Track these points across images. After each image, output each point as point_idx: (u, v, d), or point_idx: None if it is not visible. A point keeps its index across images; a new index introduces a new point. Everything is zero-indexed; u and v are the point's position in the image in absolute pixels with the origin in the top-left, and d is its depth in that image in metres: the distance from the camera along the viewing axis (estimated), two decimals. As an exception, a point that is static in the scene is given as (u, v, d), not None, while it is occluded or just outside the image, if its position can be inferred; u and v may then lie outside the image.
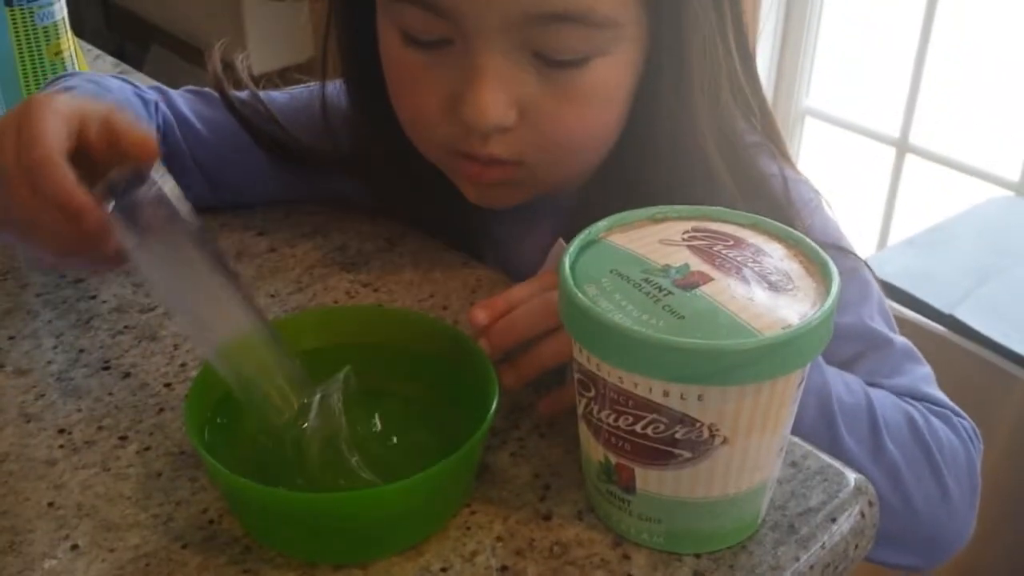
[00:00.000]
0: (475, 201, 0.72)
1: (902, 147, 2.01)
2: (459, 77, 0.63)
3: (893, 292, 1.56)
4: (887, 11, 4.00)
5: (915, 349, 0.74)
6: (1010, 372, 1.45)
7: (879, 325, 0.73)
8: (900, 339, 0.74)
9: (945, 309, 1.53)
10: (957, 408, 0.72)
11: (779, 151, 0.75)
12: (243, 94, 0.80)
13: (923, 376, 0.73)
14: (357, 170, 0.78)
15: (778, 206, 0.70)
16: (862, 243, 2.14)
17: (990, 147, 2.89)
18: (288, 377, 0.55)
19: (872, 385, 0.69)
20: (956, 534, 0.70)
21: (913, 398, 0.70)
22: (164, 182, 0.57)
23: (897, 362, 0.72)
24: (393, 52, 0.67)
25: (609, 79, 0.65)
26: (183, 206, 0.57)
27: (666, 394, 0.46)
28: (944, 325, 1.52)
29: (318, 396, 0.54)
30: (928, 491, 0.67)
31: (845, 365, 0.70)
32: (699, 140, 0.67)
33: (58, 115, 0.61)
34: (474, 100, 0.63)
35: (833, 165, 2.67)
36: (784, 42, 2.06)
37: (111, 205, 0.57)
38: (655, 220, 0.53)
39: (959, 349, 1.49)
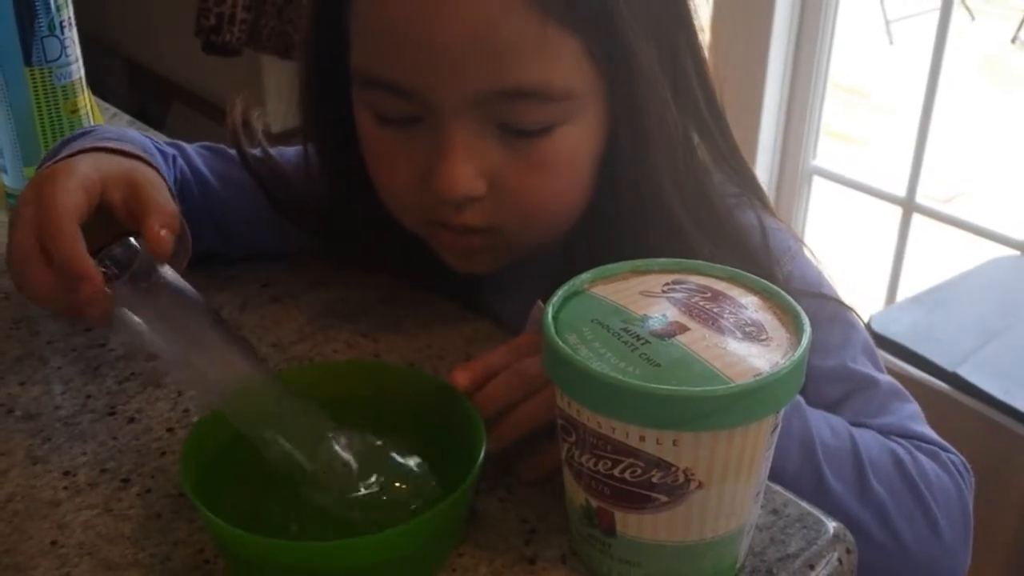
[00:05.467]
0: (457, 268, 0.75)
1: (908, 207, 2.03)
2: (430, 152, 0.67)
3: (898, 350, 1.57)
4: (893, 71, 4.04)
5: (901, 387, 0.76)
6: (1013, 430, 1.45)
7: (863, 366, 0.74)
8: (886, 378, 0.75)
9: (949, 367, 1.53)
10: (945, 443, 0.73)
11: (759, 201, 0.77)
12: (257, 151, 0.83)
13: (910, 414, 0.74)
14: (345, 233, 0.81)
15: (756, 258, 0.72)
16: (869, 300, 2.15)
17: (996, 207, 2.91)
18: (298, 423, 0.57)
19: (859, 425, 0.70)
20: (951, 570, 0.71)
21: (900, 436, 0.71)
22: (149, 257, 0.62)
23: (883, 401, 0.74)
24: (368, 131, 0.71)
25: (573, 146, 0.68)
26: (176, 277, 0.61)
27: (642, 439, 0.48)
28: (948, 383, 1.53)
29: (335, 446, 0.56)
30: (918, 529, 0.68)
31: (831, 407, 0.71)
32: (663, 197, 0.69)
33: (77, 181, 0.66)
34: (444, 173, 0.66)
35: (841, 224, 2.70)
36: (791, 102, 2.09)
37: (112, 275, 0.60)
38: (637, 272, 0.56)
39: (963, 407, 1.50)
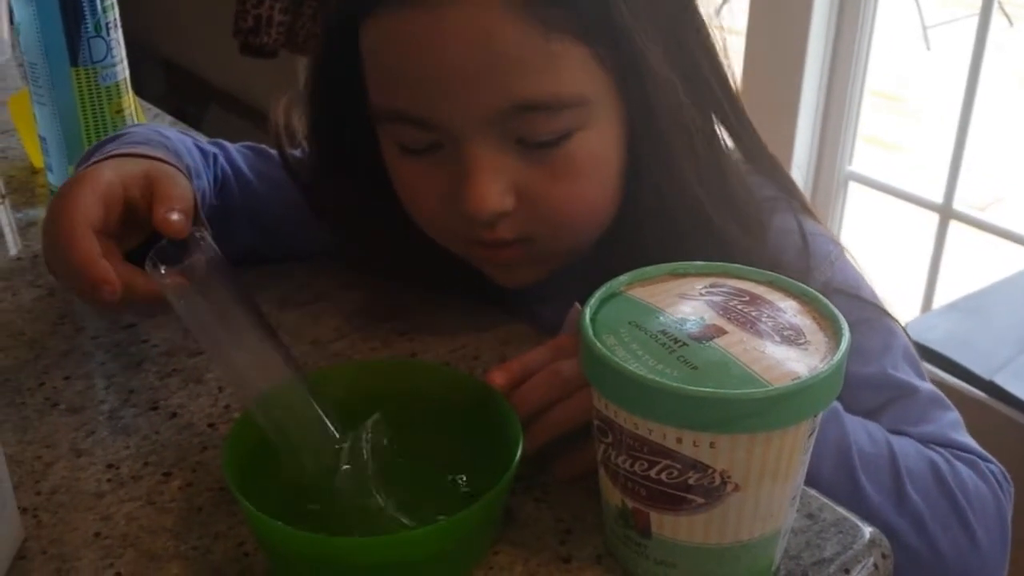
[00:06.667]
0: (504, 284, 0.75)
1: (945, 213, 2.02)
2: (455, 175, 0.68)
3: (934, 357, 1.57)
4: (930, 77, 4.01)
5: (942, 395, 0.75)
6: (1050, 439, 1.44)
7: (904, 373, 0.74)
8: (926, 386, 0.75)
9: (986, 375, 1.52)
10: (985, 453, 0.73)
11: (797, 201, 0.77)
12: (297, 151, 0.84)
13: (950, 422, 0.74)
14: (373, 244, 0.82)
15: (793, 262, 0.72)
16: (905, 307, 2.14)
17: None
18: (322, 426, 0.58)
19: (898, 433, 0.70)
20: None
21: (940, 445, 0.71)
22: (207, 247, 0.63)
23: (923, 409, 0.73)
24: (394, 163, 0.72)
25: (593, 151, 0.68)
26: (226, 267, 0.62)
27: (679, 441, 0.48)
28: (984, 391, 1.52)
29: (348, 442, 0.57)
30: (955, 538, 0.68)
31: (871, 415, 0.71)
32: (688, 196, 0.70)
33: (93, 189, 0.67)
34: (471, 194, 0.67)
35: (877, 230, 2.68)
36: (827, 107, 2.09)
37: (162, 268, 0.61)
38: (675, 275, 0.56)
39: (999, 415, 1.49)
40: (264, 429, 0.57)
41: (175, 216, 0.65)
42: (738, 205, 0.72)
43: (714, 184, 0.71)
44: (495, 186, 0.67)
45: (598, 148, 0.69)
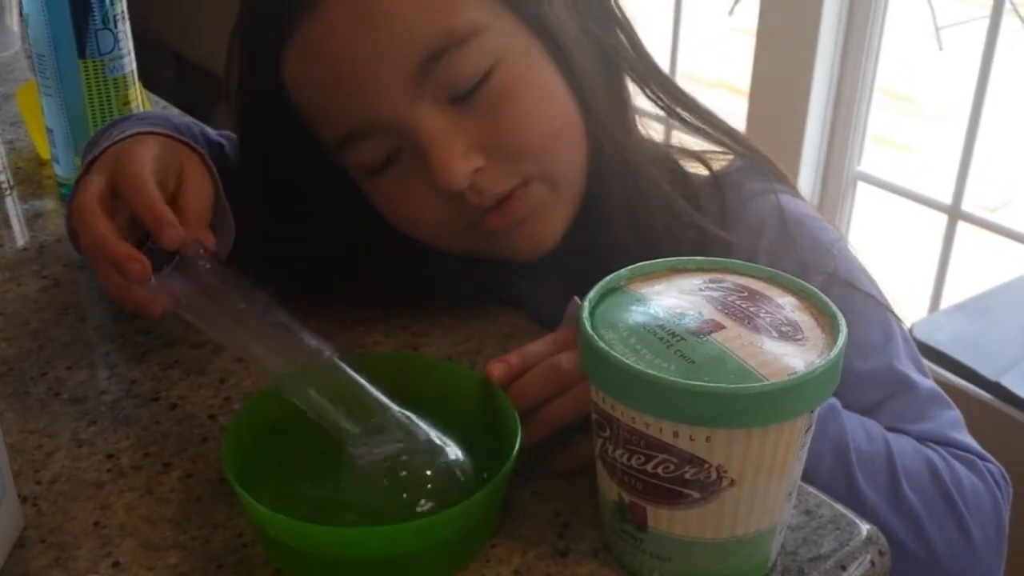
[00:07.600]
0: (532, 254, 0.74)
1: (954, 214, 2.01)
2: (422, 168, 0.68)
3: (940, 358, 1.56)
4: (942, 77, 4.00)
5: (942, 392, 0.75)
6: (1056, 441, 1.44)
7: (905, 369, 0.74)
8: (927, 382, 0.74)
9: (992, 376, 1.52)
10: (984, 452, 0.72)
11: (771, 171, 0.78)
12: None
13: (950, 421, 0.73)
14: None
15: (769, 244, 0.73)
16: (913, 308, 2.13)
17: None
18: (353, 398, 0.59)
19: (896, 430, 0.70)
20: None
21: (938, 443, 0.71)
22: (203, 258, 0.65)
23: (923, 406, 0.73)
24: (374, 193, 0.73)
25: (518, 77, 0.69)
26: (226, 271, 0.64)
27: (675, 435, 0.48)
28: (990, 392, 1.51)
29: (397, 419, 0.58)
30: (950, 538, 0.68)
31: (870, 410, 0.71)
32: (628, 151, 0.73)
33: (151, 153, 0.70)
34: (437, 165, 0.67)
35: (885, 230, 2.67)
36: (837, 107, 2.08)
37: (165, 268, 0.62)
38: (675, 270, 0.56)
39: (1005, 416, 1.48)
40: (296, 404, 0.58)
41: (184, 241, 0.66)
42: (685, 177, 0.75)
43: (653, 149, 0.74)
44: (455, 148, 0.67)
45: (523, 75, 0.69)
